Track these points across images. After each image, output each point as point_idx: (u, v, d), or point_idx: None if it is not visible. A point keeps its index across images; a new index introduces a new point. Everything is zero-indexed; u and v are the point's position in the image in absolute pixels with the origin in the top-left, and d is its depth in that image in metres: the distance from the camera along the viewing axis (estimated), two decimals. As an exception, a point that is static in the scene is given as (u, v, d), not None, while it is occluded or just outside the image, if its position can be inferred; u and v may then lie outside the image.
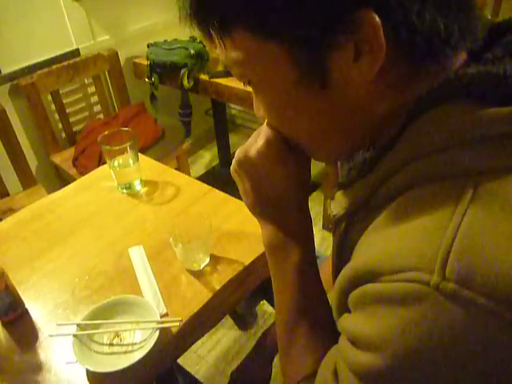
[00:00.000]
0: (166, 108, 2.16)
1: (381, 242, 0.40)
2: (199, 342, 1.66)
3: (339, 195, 0.51)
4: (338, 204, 0.50)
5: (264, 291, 1.10)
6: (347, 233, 0.51)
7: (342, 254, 0.52)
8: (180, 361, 1.57)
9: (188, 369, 1.56)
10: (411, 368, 0.36)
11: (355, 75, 0.40)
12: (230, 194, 1.07)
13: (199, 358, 1.61)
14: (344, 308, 0.44)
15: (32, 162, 1.92)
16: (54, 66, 1.81)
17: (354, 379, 0.41)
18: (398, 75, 0.41)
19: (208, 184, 1.12)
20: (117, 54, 2.01)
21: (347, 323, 0.43)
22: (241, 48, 0.42)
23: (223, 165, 2.65)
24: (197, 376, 1.54)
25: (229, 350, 1.64)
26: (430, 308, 0.34)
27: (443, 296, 0.33)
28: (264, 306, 1.72)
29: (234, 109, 2.84)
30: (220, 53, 0.45)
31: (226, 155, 2.62)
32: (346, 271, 0.42)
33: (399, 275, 0.35)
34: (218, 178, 2.59)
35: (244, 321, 1.67)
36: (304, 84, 0.42)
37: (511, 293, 0.32)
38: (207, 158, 2.78)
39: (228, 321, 1.68)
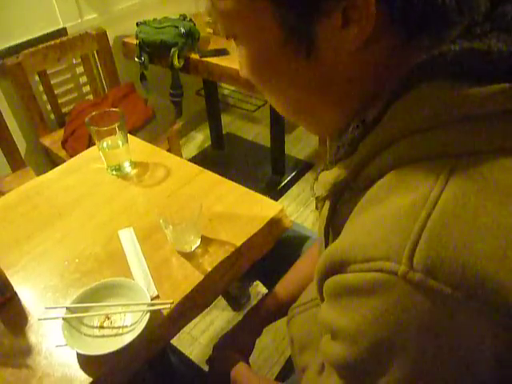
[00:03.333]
0: (156, 88, 2.12)
1: (353, 230, 0.40)
2: (192, 323, 1.67)
3: (322, 176, 0.50)
4: (321, 185, 0.49)
5: (257, 272, 1.10)
6: (333, 215, 0.50)
7: (329, 237, 0.51)
8: (173, 342, 1.58)
9: (181, 350, 1.57)
10: (384, 358, 0.36)
11: (342, 43, 0.38)
12: (222, 175, 1.06)
13: (193, 339, 1.62)
14: (322, 295, 0.44)
15: (21, 144, 1.89)
16: (41, 46, 1.77)
17: (333, 372, 0.41)
18: (388, 47, 0.39)
19: (200, 165, 1.11)
20: (105, 33, 1.96)
21: (324, 314, 0.43)
22: None
23: (215, 146, 2.63)
24: (190, 357, 1.55)
25: (222, 330, 1.65)
26: (399, 298, 0.34)
27: (410, 286, 0.33)
28: (258, 287, 1.73)
29: (226, 89, 2.80)
30: (208, 2, 0.43)
31: (218, 136, 2.60)
32: (322, 258, 0.41)
33: (368, 264, 0.35)
34: (210, 159, 2.57)
35: (237, 302, 1.68)
36: (289, 48, 0.41)
37: (477, 283, 0.31)
38: (199, 138, 2.76)
39: (221, 302, 1.68)
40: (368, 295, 0.35)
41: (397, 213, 0.36)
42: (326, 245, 0.52)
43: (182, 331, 1.49)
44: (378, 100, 0.42)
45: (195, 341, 1.62)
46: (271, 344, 1.57)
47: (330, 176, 0.48)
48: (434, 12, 0.36)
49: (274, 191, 2.27)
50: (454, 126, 0.36)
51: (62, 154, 1.78)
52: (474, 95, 0.35)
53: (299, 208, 2.16)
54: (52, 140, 1.86)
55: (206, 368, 0.94)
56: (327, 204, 0.50)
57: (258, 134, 2.73)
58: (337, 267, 0.39)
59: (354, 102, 0.45)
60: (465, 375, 0.34)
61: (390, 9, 0.36)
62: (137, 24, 1.98)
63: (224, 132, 2.65)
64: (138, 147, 1.18)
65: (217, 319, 1.69)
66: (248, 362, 0.88)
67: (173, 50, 1.85)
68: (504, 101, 0.34)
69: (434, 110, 0.37)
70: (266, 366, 1.52)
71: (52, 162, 1.89)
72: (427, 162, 0.37)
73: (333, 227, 0.50)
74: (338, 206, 0.48)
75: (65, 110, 1.98)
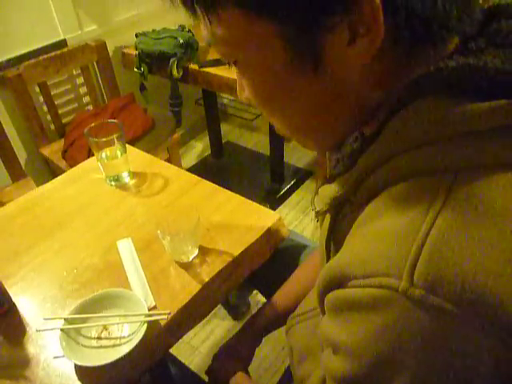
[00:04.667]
0: (156, 98, 2.13)
1: (354, 245, 0.40)
2: (192, 333, 1.67)
3: (322, 190, 0.50)
4: (321, 199, 0.49)
5: (255, 281, 1.10)
6: (334, 229, 0.50)
7: (330, 251, 0.51)
8: (173, 351, 1.58)
9: (181, 359, 1.57)
10: (385, 374, 0.36)
11: (349, 59, 0.38)
12: (221, 184, 1.07)
13: (193, 348, 1.62)
14: (323, 307, 0.44)
15: (21, 154, 1.90)
16: (41, 57, 1.78)
17: None
18: (391, 62, 0.39)
19: (200, 174, 1.11)
20: (105, 44, 1.98)
21: (325, 328, 0.43)
22: (229, 25, 0.39)
23: (215, 155, 2.64)
24: (190, 366, 1.55)
25: (222, 340, 1.64)
26: (399, 314, 0.34)
27: (411, 302, 0.33)
28: (257, 296, 1.72)
29: (226, 98, 2.81)
30: (204, 29, 0.42)
31: (217, 145, 2.61)
32: (323, 272, 0.41)
33: (369, 280, 0.35)
34: (209, 168, 2.58)
35: (237, 310, 1.68)
36: (295, 66, 0.40)
37: (478, 299, 0.31)
38: (199, 148, 2.77)
39: (221, 311, 1.68)
40: (369, 311, 0.36)
41: (397, 229, 0.36)
42: (328, 259, 0.52)
43: (182, 341, 1.49)
44: (378, 114, 0.42)
45: (195, 350, 1.62)
46: (272, 353, 1.56)
47: (329, 190, 0.48)
48: (436, 19, 0.36)
49: (274, 199, 2.27)
50: (451, 142, 0.36)
51: (62, 164, 1.78)
52: (470, 111, 0.35)
53: (299, 216, 2.17)
54: (52, 150, 1.87)
55: (206, 378, 0.94)
56: (328, 218, 0.51)
57: (258, 142, 2.74)
58: (337, 282, 0.39)
59: (357, 115, 0.44)
60: None
61: (395, 21, 0.36)
62: (136, 35, 2.00)
63: (223, 141, 2.66)
64: (136, 157, 1.19)
65: (217, 328, 1.68)
66: (248, 372, 0.88)
67: (171, 60, 1.86)
68: (501, 117, 0.34)
69: (430, 125, 0.37)
70: (267, 376, 1.51)
71: (52, 172, 1.90)
72: (426, 177, 0.37)
73: (334, 241, 0.50)
74: (339, 220, 0.48)
75: (65, 120, 1.99)
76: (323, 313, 0.45)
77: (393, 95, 0.40)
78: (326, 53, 0.38)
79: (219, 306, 1.63)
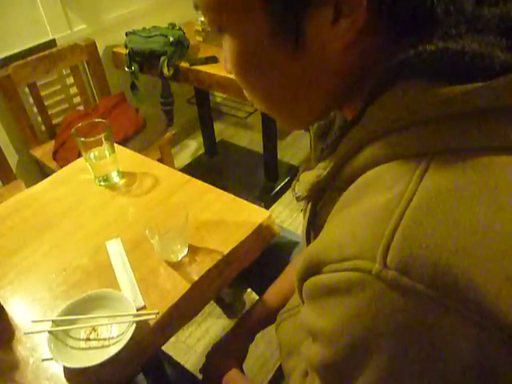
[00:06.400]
0: (147, 97, 2.13)
1: (330, 230, 0.40)
2: (188, 332, 1.66)
3: (304, 176, 0.49)
4: (302, 185, 0.49)
5: (247, 279, 1.09)
6: (314, 217, 0.50)
7: (310, 238, 0.51)
8: (169, 351, 1.58)
9: (177, 359, 1.56)
10: (361, 357, 0.36)
11: (331, 38, 0.38)
12: (215, 182, 1.06)
13: (188, 347, 1.61)
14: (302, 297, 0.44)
15: (11, 156, 1.89)
16: (30, 58, 1.77)
17: (315, 375, 0.41)
18: (375, 45, 0.40)
19: (194, 173, 1.11)
20: (94, 43, 1.97)
21: (304, 317, 0.43)
22: None
23: (208, 153, 2.63)
24: (186, 366, 1.54)
25: (218, 338, 1.62)
26: (373, 296, 0.34)
27: (384, 284, 0.33)
28: (252, 294, 1.72)
29: (218, 96, 2.81)
30: None
31: (211, 143, 2.60)
32: (300, 260, 0.41)
33: (344, 264, 0.35)
34: (203, 167, 2.57)
35: (232, 309, 1.67)
36: (277, 40, 0.40)
37: (450, 280, 0.31)
38: (192, 146, 2.76)
39: (216, 310, 1.68)
40: (344, 295, 0.35)
41: (371, 212, 0.36)
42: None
43: (177, 340, 1.48)
44: (359, 98, 0.42)
45: (191, 349, 1.61)
46: (267, 350, 1.56)
47: (310, 176, 0.48)
48: (422, 10, 0.36)
49: (268, 197, 2.27)
50: (428, 125, 0.36)
51: (53, 165, 1.77)
52: (447, 94, 0.35)
53: (293, 214, 2.16)
54: (43, 152, 1.86)
55: (201, 377, 0.94)
56: (309, 205, 0.51)
57: (252, 140, 2.73)
58: (314, 268, 0.39)
59: (337, 97, 0.45)
60: (440, 373, 0.34)
61: (378, 6, 0.36)
62: (126, 34, 1.99)
63: (217, 139, 2.65)
64: (126, 157, 1.18)
65: (212, 327, 1.68)
66: (242, 369, 0.87)
67: (162, 58, 1.85)
68: (477, 100, 0.34)
69: (408, 109, 0.37)
70: (262, 373, 1.51)
71: (43, 173, 1.88)
72: (402, 160, 0.37)
73: (314, 229, 0.50)
74: (319, 207, 0.48)
75: (55, 121, 1.98)
76: (303, 303, 0.45)
77: (373, 80, 0.40)
78: (308, 29, 0.38)
79: (214, 305, 1.62)
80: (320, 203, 0.48)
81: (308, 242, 0.52)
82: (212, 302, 1.33)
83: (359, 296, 0.34)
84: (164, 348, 1.55)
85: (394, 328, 0.33)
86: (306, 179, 0.48)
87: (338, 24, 0.37)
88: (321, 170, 0.46)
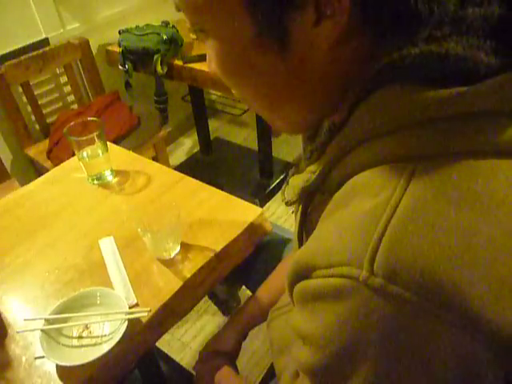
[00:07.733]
0: (141, 95, 2.12)
1: (319, 235, 0.40)
2: (183, 329, 1.67)
3: (293, 180, 0.49)
4: (291, 189, 0.49)
5: (240, 276, 1.10)
6: (305, 220, 0.50)
7: (302, 242, 0.51)
8: (164, 348, 1.59)
9: (172, 356, 1.57)
10: (349, 364, 0.36)
11: (314, 40, 0.38)
12: (210, 180, 1.06)
13: (183, 345, 1.62)
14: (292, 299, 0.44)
15: (5, 155, 1.89)
16: (23, 57, 1.76)
17: (306, 378, 0.42)
18: (359, 48, 0.39)
19: (189, 171, 1.11)
20: (88, 42, 1.96)
21: (294, 320, 0.43)
22: None
23: (204, 151, 2.63)
24: (181, 363, 1.55)
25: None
26: (360, 303, 0.34)
27: (372, 291, 0.33)
28: (247, 291, 1.72)
29: (213, 94, 2.80)
30: None
31: (206, 141, 2.60)
32: (291, 264, 0.41)
33: (332, 270, 0.35)
34: (198, 165, 2.57)
35: (227, 306, 1.67)
36: (261, 42, 0.40)
37: (435, 287, 0.31)
38: (187, 144, 2.76)
39: (212, 307, 1.68)
40: (332, 301, 0.36)
41: (359, 218, 0.36)
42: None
43: (172, 337, 1.48)
44: (346, 102, 0.42)
45: (186, 346, 1.62)
46: (261, 348, 1.57)
47: (299, 180, 0.47)
48: (405, 10, 0.36)
49: (263, 194, 2.27)
50: (413, 130, 0.36)
51: (48, 164, 1.77)
52: (431, 98, 0.35)
53: (288, 211, 2.17)
54: (37, 151, 1.85)
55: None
56: (300, 208, 0.51)
57: (247, 137, 2.73)
58: (303, 273, 0.39)
59: (324, 100, 0.44)
60: (428, 378, 0.34)
61: (362, 6, 0.36)
62: (119, 32, 1.99)
63: (212, 137, 2.65)
64: (119, 156, 1.18)
65: (207, 324, 1.69)
66: (235, 366, 0.88)
67: (156, 56, 1.85)
68: (461, 104, 0.34)
69: (393, 113, 0.37)
70: (256, 370, 1.52)
71: (38, 172, 1.88)
72: (389, 166, 0.37)
73: (305, 231, 0.50)
74: (309, 211, 0.48)
75: (49, 120, 1.97)
76: (294, 304, 0.45)
77: (359, 84, 0.40)
78: (292, 31, 0.38)
79: (210, 302, 1.63)
80: (310, 206, 0.48)
81: (300, 244, 0.52)
82: (207, 299, 1.33)
83: (347, 302, 0.35)
84: (159, 345, 1.57)
85: (381, 335, 0.34)
86: (296, 183, 0.48)
87: (321, 25, 0.37)
88: (309, 174, 0.46)
